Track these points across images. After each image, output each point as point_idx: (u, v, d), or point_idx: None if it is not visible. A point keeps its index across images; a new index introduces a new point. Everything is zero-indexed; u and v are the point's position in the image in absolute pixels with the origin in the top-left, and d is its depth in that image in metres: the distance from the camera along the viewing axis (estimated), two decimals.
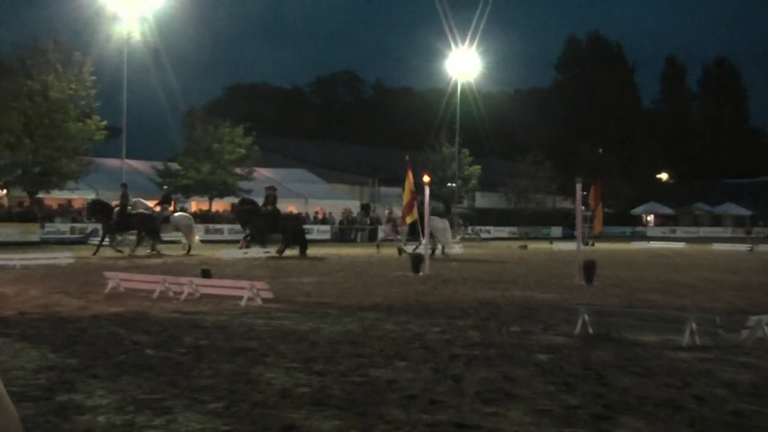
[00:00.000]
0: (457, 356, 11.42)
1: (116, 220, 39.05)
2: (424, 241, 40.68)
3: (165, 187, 49.23)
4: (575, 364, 10.83)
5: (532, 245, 57.86)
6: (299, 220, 44.12)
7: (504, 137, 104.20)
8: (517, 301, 19.17)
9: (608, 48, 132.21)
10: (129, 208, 39.59)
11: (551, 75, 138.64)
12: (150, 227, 39.85)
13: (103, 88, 56.32)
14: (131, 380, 9.58)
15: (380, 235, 41.47)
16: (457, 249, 47.04)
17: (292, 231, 40.65)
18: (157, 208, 41.34)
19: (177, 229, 41.50)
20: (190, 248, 40.66)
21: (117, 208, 39.40)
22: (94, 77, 53.06)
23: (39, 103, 49.91)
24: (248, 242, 40.51)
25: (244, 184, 62.55)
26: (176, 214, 42.96)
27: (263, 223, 40.02)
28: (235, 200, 64.43)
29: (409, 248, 38.96)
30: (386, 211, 42.16)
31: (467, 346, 12.30)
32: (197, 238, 42.61)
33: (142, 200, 41.58)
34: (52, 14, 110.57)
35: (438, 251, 40.40)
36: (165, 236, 41.66)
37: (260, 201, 41.82)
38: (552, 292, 21.91)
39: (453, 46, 78.52)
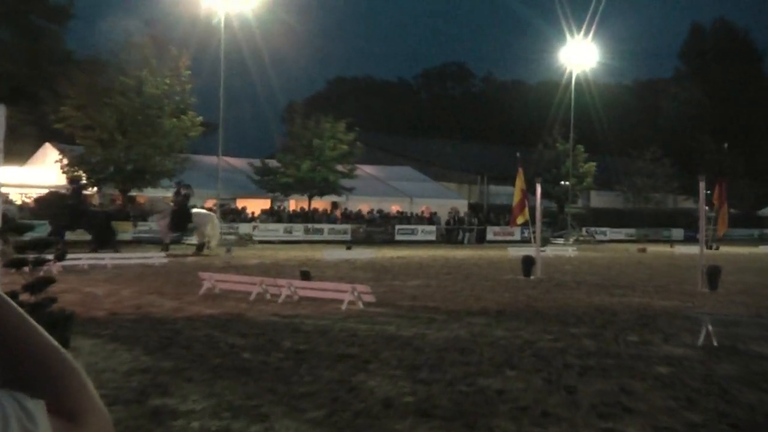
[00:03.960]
0: (570, 366, 11.29)
1: None
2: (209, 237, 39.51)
3: None
4: (698, 378, 10.59)
5: (652, 248, 56.92)
6: (108, 215, 41.22)
7: (621, 132, 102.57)
8: (635, 308, 18.87)
9: (735, 36, 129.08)
10: None
11: (673, 65, 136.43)
12: None
13: (199, 83, 57.00)
14: (227, 385, 9.70)
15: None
16: (570, 252, 46.57)
17: (98, 227, 38.43)
18: None
19: None
20: None
21: None
22: (189, 71, 53.62)
23: (133, 99, 50.74)
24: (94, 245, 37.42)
25: (346, 182, 62.68)
26: None
27: (66, 217, 37.89)
28: (337, 198, 64.84)
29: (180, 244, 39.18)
30: (149, 206, 40.67)
31: (582, 356, 12.15)
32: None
33: None
34: (147, 10, 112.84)
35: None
36: None
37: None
38: (673, 299, 21.51)
39: (568, 35, 77.83)
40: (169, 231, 39.44)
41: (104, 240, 37.77)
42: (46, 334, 1.44)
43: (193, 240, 41.28)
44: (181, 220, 39.43)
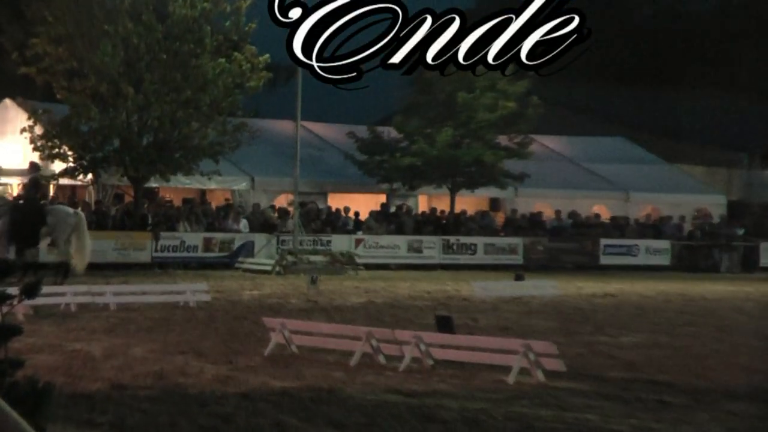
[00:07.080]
0: None
1: None
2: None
3: None
4: None
5: None
6: None
7: None
8: None
9: None
10: None
11: None
12: None
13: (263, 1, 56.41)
14: None
15: None
16: None
17: None
18: None
19: None
20: None
21: None
22: None
23: (152, 26, 50.16)
24: None
25: (513, 165, 61.33)
26: None
27: None
28: (499, 193, 63.59)
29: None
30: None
31: None
32: None
33: None
34: None
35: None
36: None
37: None
38: None
39: None
40: (6, 243, 37.00)
41: None
42: (15, 415, 1.34)
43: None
44: (29, 223, 36.93)
